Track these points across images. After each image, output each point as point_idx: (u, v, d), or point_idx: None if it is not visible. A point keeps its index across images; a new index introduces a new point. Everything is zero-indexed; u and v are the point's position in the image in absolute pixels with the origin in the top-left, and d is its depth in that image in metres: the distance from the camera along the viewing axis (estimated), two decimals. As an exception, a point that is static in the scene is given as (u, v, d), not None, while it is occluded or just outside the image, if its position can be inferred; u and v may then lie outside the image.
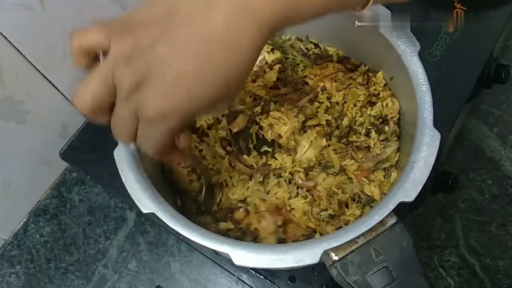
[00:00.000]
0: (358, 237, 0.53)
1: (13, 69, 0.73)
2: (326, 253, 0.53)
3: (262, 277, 0.72)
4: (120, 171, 0.60)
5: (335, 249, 0.53)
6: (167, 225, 0.56)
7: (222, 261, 0.75)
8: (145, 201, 0.58)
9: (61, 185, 0.93)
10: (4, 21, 0.67)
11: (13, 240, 0.89)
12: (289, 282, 0.71)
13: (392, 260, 0.53)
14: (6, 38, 0.69)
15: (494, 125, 1.01)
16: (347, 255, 0.53)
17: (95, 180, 0.85)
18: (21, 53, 0.73)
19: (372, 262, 0.53)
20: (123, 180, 0.59)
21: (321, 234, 0.66)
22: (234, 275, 0.76)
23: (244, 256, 0.53)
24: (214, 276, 0.83)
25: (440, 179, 0.80)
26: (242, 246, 0.54)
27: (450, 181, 0.80)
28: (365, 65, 0.78)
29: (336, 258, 0.53)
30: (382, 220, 0.54)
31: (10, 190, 0.84)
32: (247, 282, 0.75)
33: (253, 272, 0.73)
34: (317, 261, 0.52)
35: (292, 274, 0.71)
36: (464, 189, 0.94)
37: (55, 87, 0.83)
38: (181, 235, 0.55)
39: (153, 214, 0.57)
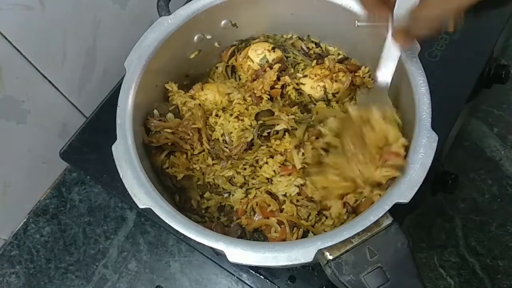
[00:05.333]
0: (353, 237, 0.53)
1: (13, 69, 0.73)
2: (320, 252, 0.53)
3: (262, 277, 0.72)
4: (118, 167, 0.60)
5: (330, 249, 0.53)
6: (164, 222, 0.56)
7: (222, 261, 0.75)
8: (142, 196, 0.58)
9: (61, 185, 0.93)
10: (4, 21, 0.68)
11: (13, 240, 0.89)
12: (289, 282, 0.71)
13: (386, 261, 0.53)
14: (6, 38, 0.69)
15: (494, 125, 1.01)
16: (341, 254, 0.53)
17: (95, 180, 0.85)
18: (21, 53, 0.73)
19: (367, 262, 0.53)
20: (121, 176, 0.60)
21: (314, 234, 0.67)
22: (234, 275, 0.76)
23: (239, 253, 0.53)
24: (214, 276, 0.83)
25: (440, 179, 0.80)
26: (237, 243, 0.54)
27: (450, 181, 0.80)
28: (365, 67, 0.78)
29: (330, 257, 0.53)
30: (378, 220, 0.54)
31: (10, 190, 0.84)
32: (247, 282, 0.75)
33: (253, 272, 0.73)
34: (311, 259, 0.52)
35: (292, 274, 0.71)
36: (464, 189, 0.94)
37: (55, 87, 0.83)
38: (180, 234, 0.55)
39: (149, 209, 0.57)
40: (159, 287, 0.83)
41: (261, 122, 0.72)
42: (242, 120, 0.74)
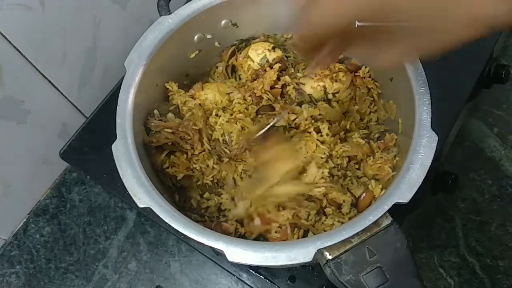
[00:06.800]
0: (352, 237, 0.53)
1: (13, 69, 0.73)
2: (320, 252, 0.53)
3: (262, 277, 0.72)
4: (118, 167, 0.60)
5: (329, 248, 0.53)
6: (164, 221, 0.56)
7: (222, 261, 0.75)
8: (142, 195, 0.58)
9: (61, 185, 0.93)
10: (4, 21, 0.68)
11: (13, 240, 0.89)
12: (289, 282, 0.71)
13: (385, 261, 0.53)
14: (6, 38, 0.69)
15: (494, 125, 1.01)
16: (341, 254, 0.53)
17: (95, 180, 0.85)
18: (21, 53, 0.73)
19: (366, 262, 0.53)
20: (121, 175, 0.60)
21: (314, 234, 0.67)
22: (234, 275, 0.76)
23: (238, 253, 0.53)
24: (214, 276, 0.83)
25: (440, 179, 0.80)
26: (236, 243, 0.54)
27: (450, 181, 0.80)
28: (365, 67, 0.78)
29: (330, 257, 0.53)
30: (377, 220, 0.54)
31: (10, 190, 0.84)
32: (247, 282, 0.75)
33: (253, 272, 0.73)
34: (311, 259, 0.52)
35: (292, 274, 0.71)
36: (464, 189, 0.94)
37: (55, 87, 0.83)
38: (180, 233, 0.55)
39: (149, 209, 0.57)
40: (159, 287, 0.83)
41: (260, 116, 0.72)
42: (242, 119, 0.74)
